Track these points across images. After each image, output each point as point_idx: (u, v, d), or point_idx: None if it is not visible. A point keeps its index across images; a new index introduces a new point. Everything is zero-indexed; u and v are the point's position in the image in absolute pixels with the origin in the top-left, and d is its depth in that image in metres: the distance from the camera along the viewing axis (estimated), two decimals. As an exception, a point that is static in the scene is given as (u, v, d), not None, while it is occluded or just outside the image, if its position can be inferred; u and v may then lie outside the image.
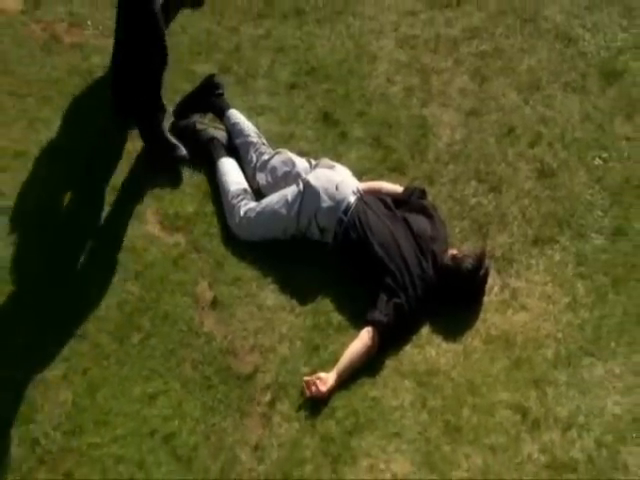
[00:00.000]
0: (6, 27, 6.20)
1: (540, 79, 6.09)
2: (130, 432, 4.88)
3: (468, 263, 5.23)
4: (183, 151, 5.74)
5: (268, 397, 5.00)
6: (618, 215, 5.60)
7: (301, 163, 5.59)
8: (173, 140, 5.76)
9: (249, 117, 5.82)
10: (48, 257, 5.41)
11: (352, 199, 5.40)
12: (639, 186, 5.70)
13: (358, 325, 5.16)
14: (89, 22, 6.11)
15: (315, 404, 4.96)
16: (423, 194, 5.54)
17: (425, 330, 5.23)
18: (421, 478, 4.78)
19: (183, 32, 6.24)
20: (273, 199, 5.50)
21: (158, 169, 5.73)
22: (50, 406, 4.93)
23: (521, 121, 5.94)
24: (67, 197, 5.62)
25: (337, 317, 5.24)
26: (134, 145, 5.82)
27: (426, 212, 5.45)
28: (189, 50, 6.18)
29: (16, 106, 5.91)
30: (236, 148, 5.74)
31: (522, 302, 5.31)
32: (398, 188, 5.58)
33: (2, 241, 5.44)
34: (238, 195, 5.54)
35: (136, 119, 5.77)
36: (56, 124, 5.84)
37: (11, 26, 6.21)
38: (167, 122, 5.87)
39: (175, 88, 5.99)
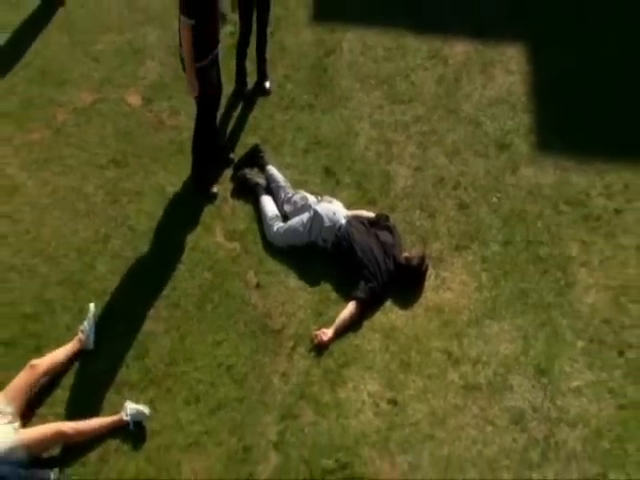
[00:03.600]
0: (131, 114, 6.14)
1: (459, 148, 6.02)
2: (206, 364, 4.89)
3: (415, 261, 5.22)
4: (214, 189, 5.67)
5: (291, 343, 5.00)
6: (507, 232, 5.54)
7: (312, 198, 5.54)
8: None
9: (279, 170, 5.78)
10: (157, 257, 5.39)
11: (343, 221, 5.37)
12: (519, 214, 5.63)
13: (346, 300, 5.14)
14: (182, 112, 6.09)
15: (320, 348, 4.96)
16: (387, 218, 5.50)
17: (388, 303, 5.21)
18: (384, 395, 4.80)
19: (238, 118, 6.18)
20: (294, 221, 5.46)
21: (197, 195, 5.66)
22: (157, 348, 4.95)
23: (448, 174, 5.87)
24: (167, 219, 5.57)
25: (334, 295, 5.22)
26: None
27: (389, 229, 5.42)
28: (243, 129, 6.11)
29: (137, 163, 5.86)
30: (271, 189, 5.69)
31: (448, 286, 5.29)
32: (371, 214, 5.53)
33: (129, 244, 5.42)
34: (272, 218, 5.50)
35: (193, 157, 5.65)
36: (161, 174, 5.80)
37: (134, 114, 6.15)
38: (229, 172, 5.83)
39: (234, 152, 5.94)
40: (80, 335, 4.85)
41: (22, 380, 4.52)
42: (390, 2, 6.95)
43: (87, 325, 4.87)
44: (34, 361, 4.60)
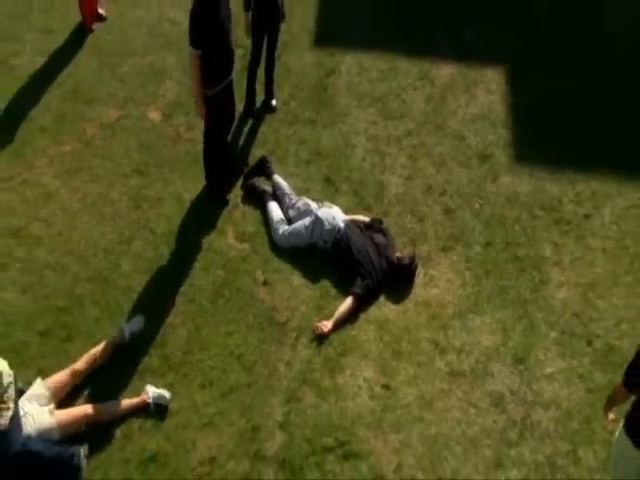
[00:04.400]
0: (152, 129, 6.15)
1: (445, 159, 6.02)
2: (218, 353, 4.89)
3: (406, 261, 5.22)
4: (226, 196, 5.66)
5: (295, 334, 5.00)
6: (488, 235, 5.55)
7: (313, 204, 5.53)
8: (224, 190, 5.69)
9: (284, 179, 5.77)
10: (175, 257, 5.38)
11: (342, 225, 5.36)
12: (499, 219, 5.64)
13: (345, 295, 5.14)
14: (197, 127, 5.96)
15: (320, 338, 4.96)
16: (381, 222, 5.49)
17: (382, 298, 5.20)
18: (379, 380, 4.79)
19: (248, 133, 6.18)
20: (298, 225, 5.45)
21: (210, 202, 5.64)
22: (174, 338, 4.94)
23: (435, 182, 5.87)
24: (185, 223, 5.56)
25: (333, 291, 5.21)
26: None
27: (383, 232, 5.42)
28: (252, 142, 6.11)
29: (157, 173, 5.86)
30: (277, 196, 5.69)
31: (435, 283, 5.29)
32: (367, 219, 5.53)
33: (150, 245, 5.42)
34: (278, 222, 5.50)
35: (205, 168, 5.62)
36: (179, 183, 5.80)
37: (155, 128, 6.17)
38: (240, 180, 5.82)
39: (246, 163, 5.96)
40: (118, 337, 4.78)
41: (63, 380, 4.50)
42: (384, 29, 6.99)
43: (129, 328, 4.81)
44: (77, 367, 4.56)
